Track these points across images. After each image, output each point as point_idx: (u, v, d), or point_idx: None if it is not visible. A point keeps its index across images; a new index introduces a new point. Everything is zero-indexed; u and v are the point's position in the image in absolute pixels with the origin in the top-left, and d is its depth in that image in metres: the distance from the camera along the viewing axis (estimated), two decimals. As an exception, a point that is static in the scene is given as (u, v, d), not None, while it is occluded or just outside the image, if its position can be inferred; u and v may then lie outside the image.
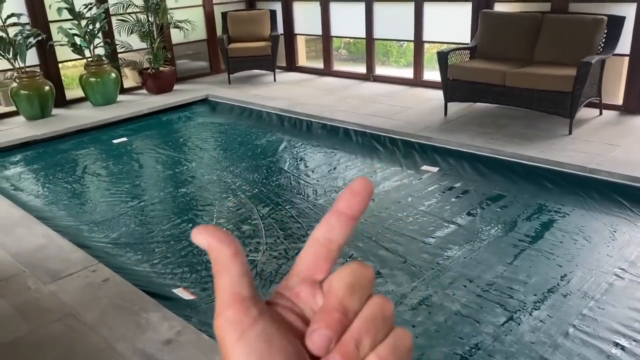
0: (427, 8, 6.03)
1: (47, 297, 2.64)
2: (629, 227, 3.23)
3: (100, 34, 6.30)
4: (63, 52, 6.20)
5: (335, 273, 0.29)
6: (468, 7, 5.59)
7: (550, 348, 2.28)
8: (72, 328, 2.40)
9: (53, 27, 6.08)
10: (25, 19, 5.86)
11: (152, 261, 3.15)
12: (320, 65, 7.34)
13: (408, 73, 6.49)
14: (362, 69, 6.89)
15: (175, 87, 6.86)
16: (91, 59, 6.20)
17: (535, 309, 2.52)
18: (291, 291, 0.29)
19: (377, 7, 6.49)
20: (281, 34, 7.28)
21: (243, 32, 7.02)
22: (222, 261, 0.27)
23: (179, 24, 6.64)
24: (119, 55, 6.64)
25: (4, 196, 4.01)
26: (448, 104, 5.07)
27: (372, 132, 4.94)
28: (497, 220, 3.39)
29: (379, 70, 6.87)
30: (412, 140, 4.66)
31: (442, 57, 4.96)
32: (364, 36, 6.69)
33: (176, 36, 7.00)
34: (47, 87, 5.84)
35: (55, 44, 6.03)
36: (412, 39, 6.23)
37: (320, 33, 7.14)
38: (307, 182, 4.22)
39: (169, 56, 6.86)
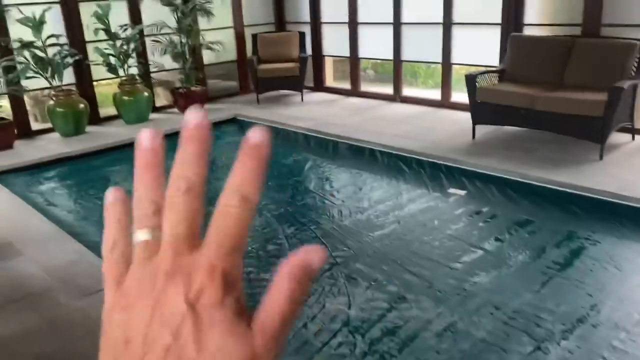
0: (456, 31, 6.04)
1: (77, 313, 2.70)
2: (662, 257, 3.15)
3: (134, 54, 6.48)
4: (98, 71, 6.39)
5: None
6: (497, 30, 5.59)
7: (579, 380, 2.23)
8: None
9: (89, 47, 6.29)
10: (63, 39, 6.08)
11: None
12: (347, 85, 7.40)
13: (436, 94, 6.48)
14: (389, 89, 6.92)
15: (206, 106, 6.99)
16: (125, 78, 6.38)
17: (564, 339, 2.47)
18: None
19: (405, 30, 6.53)
20: (309, 55, 7.38)
21: (272, 53, 7.14)
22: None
23: (211, 45, 6.80)
24: (152, 75, 6.82)
25: (38, 211, 4.12)
26: (476, 126, 5.05)
27: (399, 153, 4.94)
28: (525, 246, 3.35)
29: (406, 91, 6.88)
30: (439, 162, 4.64)
31: (471, 80, 4.95)
32: (392, 58, 6.73)
33: (207, 56, 7.17)
34: (81, 105, 6.02)
35: (90, 63, 6.23)
36: (440, 61, 6.24)
37: (348, 54, 7.22)
38: (332, 202, 4.24)
39: (201, 76, 7.01)
